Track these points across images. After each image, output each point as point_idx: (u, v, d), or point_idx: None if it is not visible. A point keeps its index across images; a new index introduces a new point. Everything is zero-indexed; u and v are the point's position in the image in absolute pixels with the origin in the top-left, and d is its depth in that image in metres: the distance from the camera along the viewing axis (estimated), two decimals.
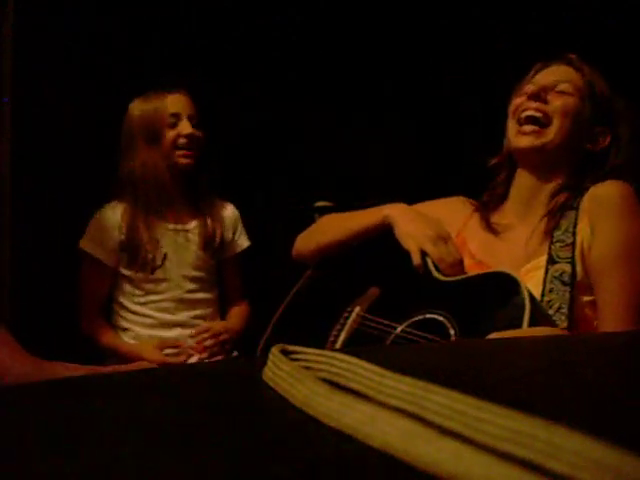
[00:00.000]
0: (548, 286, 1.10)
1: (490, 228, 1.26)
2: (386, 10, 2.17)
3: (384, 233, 1.24)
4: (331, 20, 2.19)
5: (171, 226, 1.77)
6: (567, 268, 1.10)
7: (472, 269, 1.19)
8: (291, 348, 0.36)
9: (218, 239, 1.81)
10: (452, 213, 1.33)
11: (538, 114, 1.18)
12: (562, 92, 1.20)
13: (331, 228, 1.37)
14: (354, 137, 2.17)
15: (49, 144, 1.94)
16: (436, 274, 1.16)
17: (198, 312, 1.79)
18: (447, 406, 0.25)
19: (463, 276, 1.15)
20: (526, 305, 0.93)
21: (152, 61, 2.03)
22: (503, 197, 1.28)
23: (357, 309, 1.21)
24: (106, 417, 0.31)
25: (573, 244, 1.12)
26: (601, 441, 0.19)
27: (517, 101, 1.24)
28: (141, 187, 1.72)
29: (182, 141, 1.71)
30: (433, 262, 1.17)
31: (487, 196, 1.32)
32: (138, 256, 1.71)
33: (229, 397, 0.35)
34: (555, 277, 1.10)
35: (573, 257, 1.11)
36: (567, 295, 1.08)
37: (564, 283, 1.09)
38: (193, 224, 1.80)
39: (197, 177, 1.78)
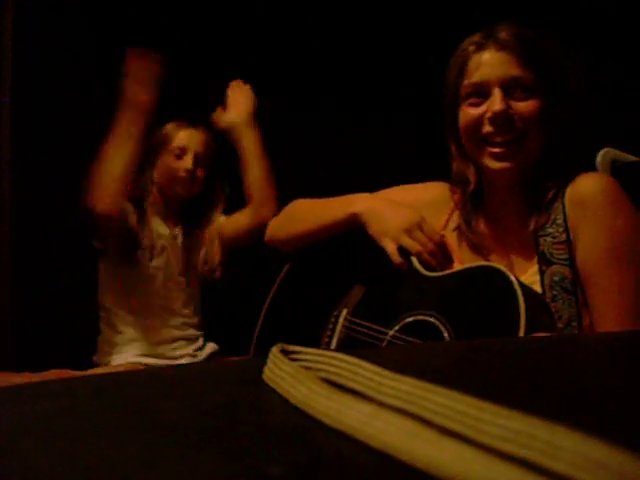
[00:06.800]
0: (549, 293, 0.97)
1: (472, 245, 1.11)
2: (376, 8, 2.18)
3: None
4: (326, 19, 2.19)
5: (169, 231, 1.81)
6: (567, 272, 0.97)
7: None
8: (291, 348, 0.36)
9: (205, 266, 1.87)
10: (431, 207, 1.17)
11: (509, 136, 1.00)
12: (523, 94, 1.01)
13: (301, 216, 1.25)
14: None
15: (49, 144, 1.94)
16: (420, 268, 1.07)
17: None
18: (447, 406, 0.24)
19: (447, 272, 1.05)
20: (520, 304, 0.85)
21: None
22: (476, 199, 1.12)
23: (344, 312, 1.13)
24: (103, 417, 0.30)
25: (568, 242, 0.99)
26: (601, 441, 0.19)
27: (470, 113, 1.04)
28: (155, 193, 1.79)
29: (182, 174, 1.77)
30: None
31: (462, 202, 1.13)
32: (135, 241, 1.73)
33: (229, 397, 0.35)
34: (555, 282, 0.97)
35: (571, 259, 0.98)
36: (574, 305, 0.95)
37: (567, 291, 0.96)
38: (185, 240, 1.84)
39: (197, 202, 1.84)
